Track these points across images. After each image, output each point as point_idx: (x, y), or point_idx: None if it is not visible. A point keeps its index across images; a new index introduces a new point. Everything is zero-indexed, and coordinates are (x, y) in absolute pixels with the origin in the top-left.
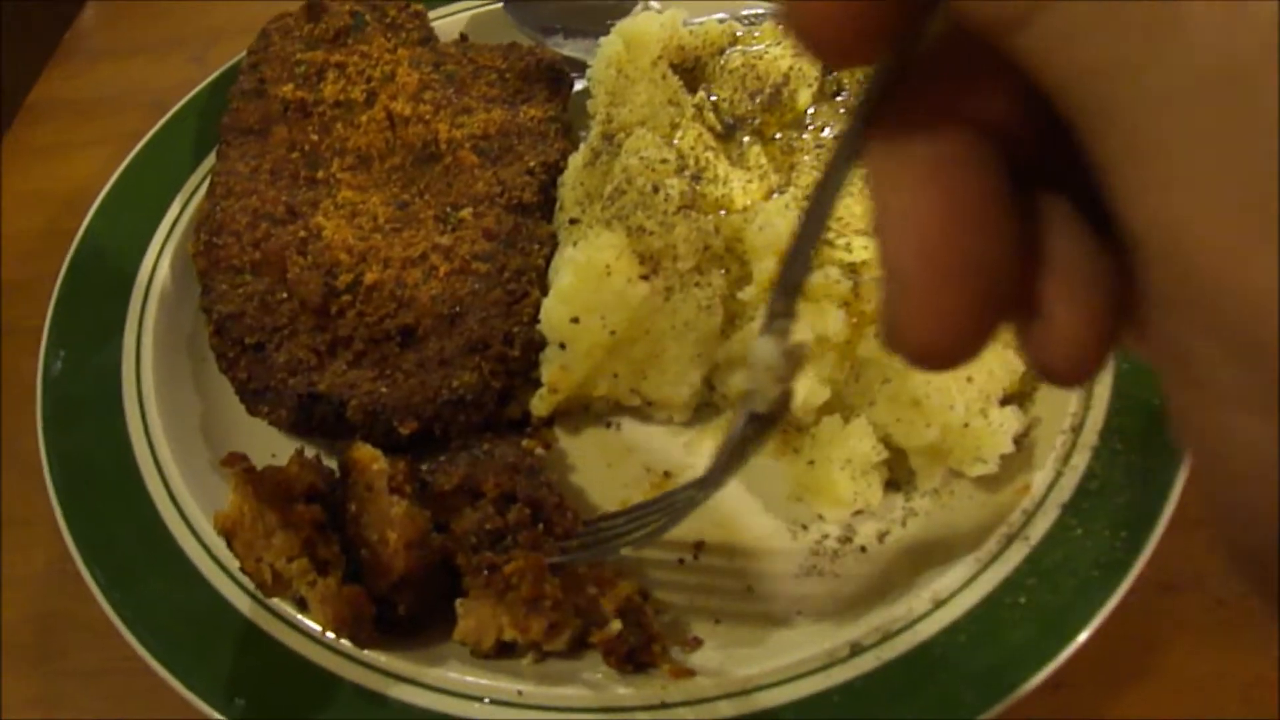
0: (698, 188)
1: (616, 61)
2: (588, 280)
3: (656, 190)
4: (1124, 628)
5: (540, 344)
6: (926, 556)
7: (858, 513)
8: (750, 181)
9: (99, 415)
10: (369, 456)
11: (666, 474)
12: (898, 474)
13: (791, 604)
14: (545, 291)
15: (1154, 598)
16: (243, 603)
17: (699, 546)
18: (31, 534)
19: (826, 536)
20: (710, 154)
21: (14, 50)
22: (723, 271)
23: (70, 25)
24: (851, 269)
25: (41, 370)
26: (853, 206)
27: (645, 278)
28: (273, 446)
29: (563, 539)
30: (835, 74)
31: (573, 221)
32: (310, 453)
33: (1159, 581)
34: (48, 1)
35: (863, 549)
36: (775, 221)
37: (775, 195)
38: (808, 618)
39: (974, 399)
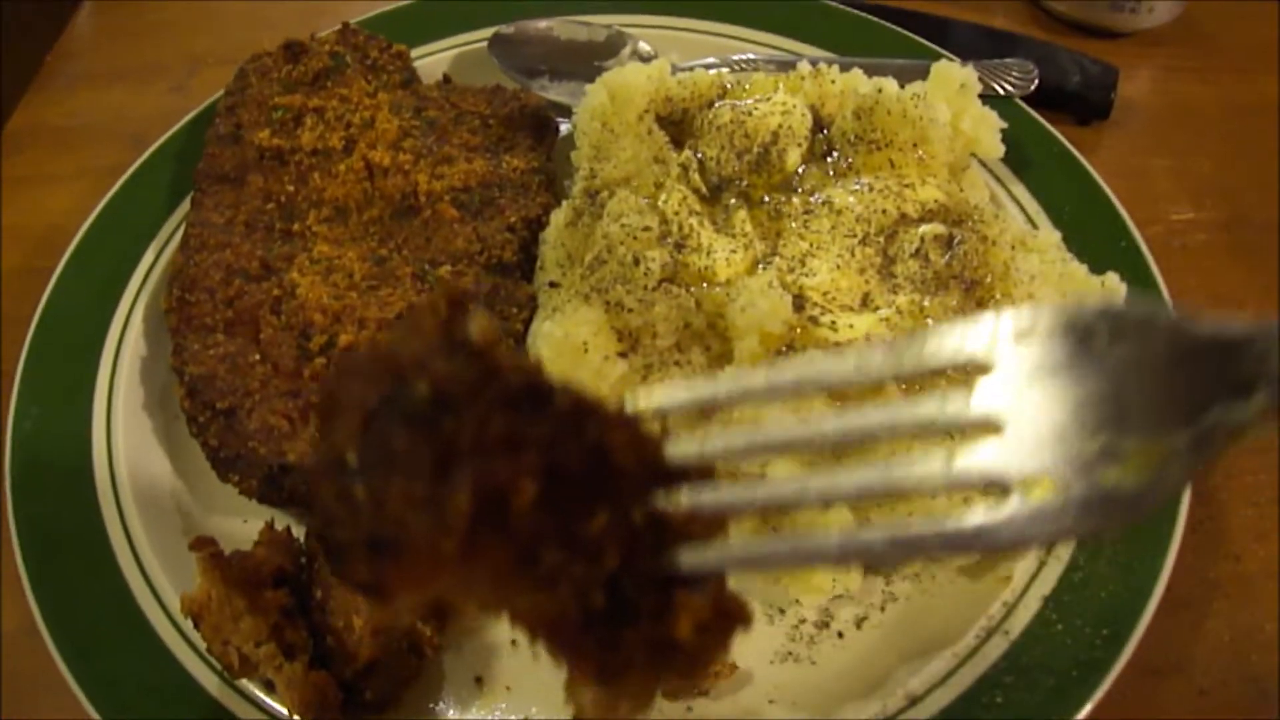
0: (679, 257)
1: (601, 114)
2: (564, 356)
3: (637, 263)
4: (1106, 713)
5: None
6: (904, 646)
7: (837, 596)
8: (734, 251)
9: (69, 480)
10: None
11: None
12: None
13: (765, 692)
14: None
15: (1136, 682)
16: (210, 681)
17: None
18: (2, 593)
19: (804, 621)
20: (694, 220)
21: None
22: (704, 349)
23: (51, 49)
24: (836, 349)
25: (11, 429)
26: (839, 280)
27: (623, 355)
28: (244, 511)
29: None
30: (826, 133)
31: (552, 284)
32: (281, 523)
33: (1142, 665)
34: (30, 25)
35: (840, 635)
36: (758, 302)
37: (760, 267)
38: (781, 707)
39: None
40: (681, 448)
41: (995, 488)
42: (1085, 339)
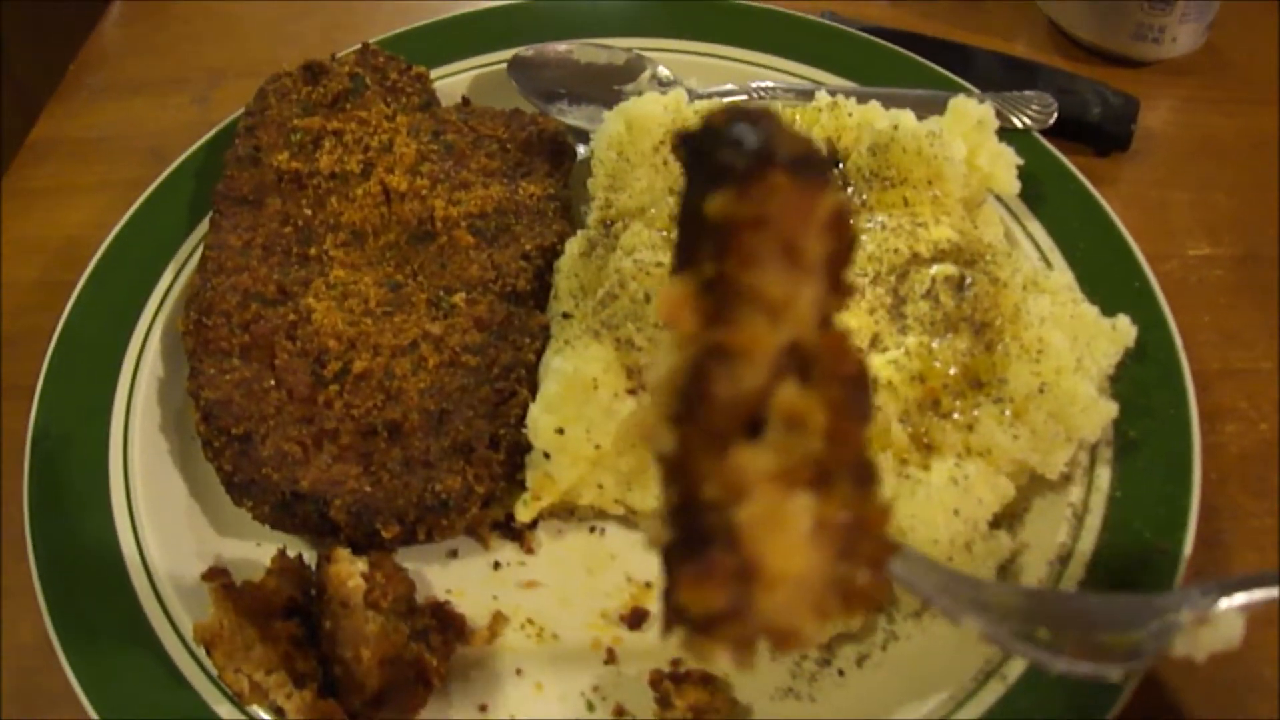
0: None
1: (618, 143)
2: (574, 392)
3: (649, 300)
4: None
5: (526, 447)
6: (903, 686)
7: (839, 634)
8: None
9: (85, 501)
10: (345, 573)
11: (648, 584)
12: None
13: None
14: (534, 388)
15: None
16: (222, 706)
17: (675, 663)
18: (20, 605)
19: (805, 658)
20: None
21: (21, 84)
22: None
23: (74, 60)
24: None
25: (30, 448)
26: (849, 321)
27: (633, 392)
28: (257, 534)
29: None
30: (841, 168)
31: (565, 315)
32: (293, 550)
33: (1138, 712)
34: (53, 36)
35: (841, 672)
36: None
37: None
38: None
39: (960, 532)
40: None
41: None
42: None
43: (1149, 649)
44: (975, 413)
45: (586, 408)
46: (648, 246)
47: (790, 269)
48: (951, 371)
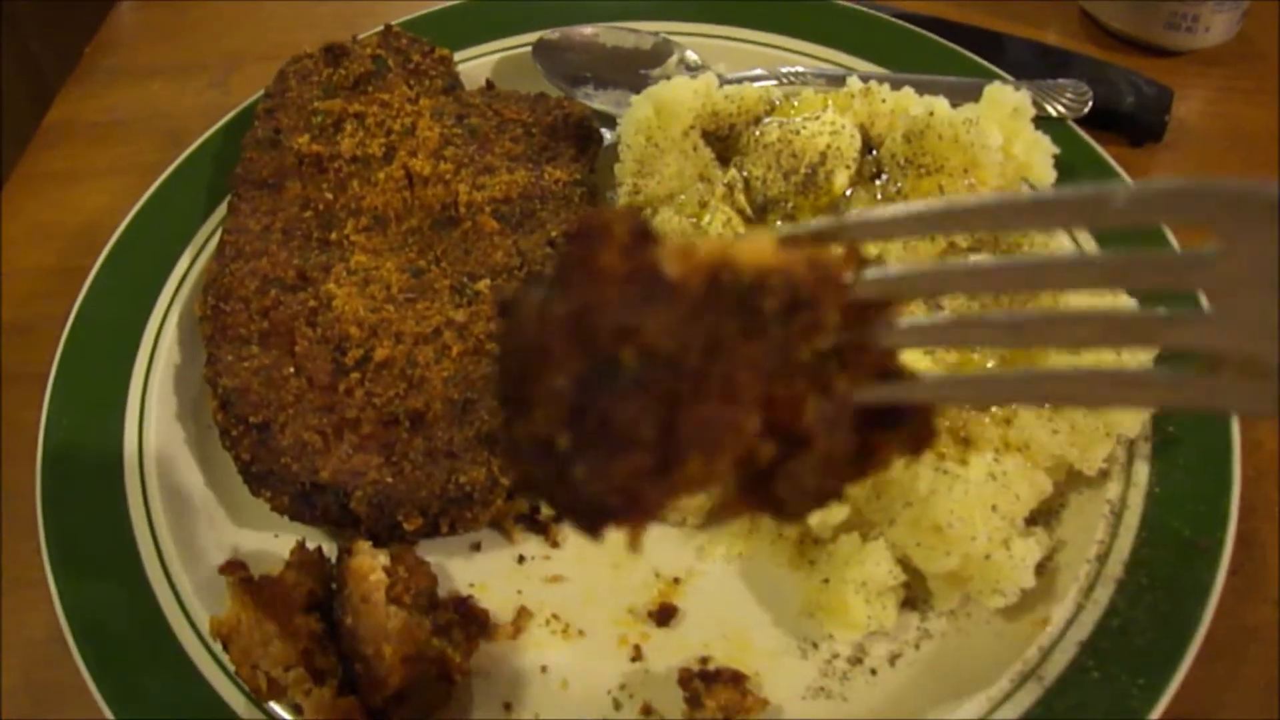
0: None
1: (646, 128)
2: None
3: None
4: None
5: None
6: (937, 686)
7: (872, 632)
8: None
9: (99, 491)
10: (367, 567)
11: (676, 580)
12: (915, 591)
13: None
14: None
15: None
16: (238, 702)
17: (705, 661)
18: (29, 597)
19: (837, 656)
20: None
21: (36, 67)
22: None
23: (90, 41)
24: None
25: (43, 438)
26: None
27: None
28: (276, 525)
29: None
30: (875, 155)
31: None
32: (312, 542)
33: (1175, 713)
34: (69, 17)
35: (873, 671)
36: None
37: None
38: None
39: (997, 528)
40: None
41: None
42: None
43: None
44: (1013, 407)
45: None
46: (677, 233)
47: None
48: (989, 365)
